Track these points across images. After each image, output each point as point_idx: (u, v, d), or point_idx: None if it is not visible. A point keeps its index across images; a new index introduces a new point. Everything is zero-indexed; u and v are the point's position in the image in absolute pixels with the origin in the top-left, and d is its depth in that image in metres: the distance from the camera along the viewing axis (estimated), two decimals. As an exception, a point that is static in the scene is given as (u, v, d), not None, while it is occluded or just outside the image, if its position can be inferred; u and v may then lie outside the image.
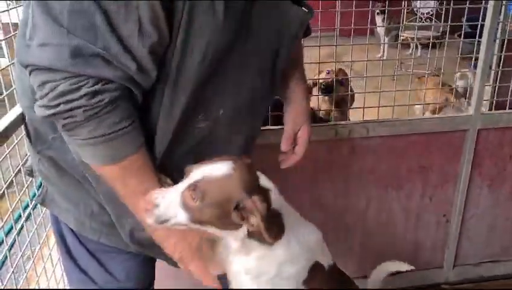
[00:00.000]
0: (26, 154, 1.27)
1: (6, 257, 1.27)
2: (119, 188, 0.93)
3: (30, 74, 0.86)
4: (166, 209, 0.85)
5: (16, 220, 1.33)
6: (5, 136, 1.08)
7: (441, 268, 2.16)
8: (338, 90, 2.19)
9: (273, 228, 0.88)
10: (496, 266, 2.19)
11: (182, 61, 0.88)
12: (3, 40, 1.35)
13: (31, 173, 1.23)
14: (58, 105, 0.81)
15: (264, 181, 0.91)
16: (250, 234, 0.90)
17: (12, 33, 1.36)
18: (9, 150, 1.18)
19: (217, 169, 0.84)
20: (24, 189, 1.33)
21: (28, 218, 1.38)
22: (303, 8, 1.06)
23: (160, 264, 1.30)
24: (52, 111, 0.83)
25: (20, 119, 1.14)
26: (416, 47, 5.63)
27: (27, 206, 1.41)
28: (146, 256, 1.21)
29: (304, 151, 1.29)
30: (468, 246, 2.14)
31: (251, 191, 0.85)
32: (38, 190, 1.23)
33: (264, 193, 0.88)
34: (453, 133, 1.89)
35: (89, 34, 0.79)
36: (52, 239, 1.43)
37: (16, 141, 1.22)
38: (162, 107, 0.92)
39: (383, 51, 5.31)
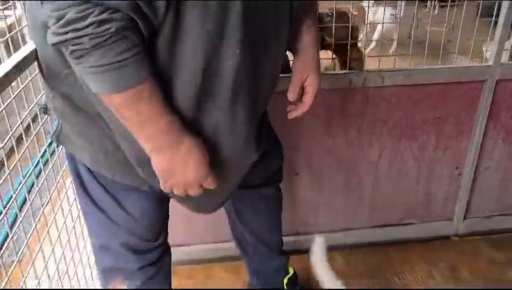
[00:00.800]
0: (41, 92, 1.27)
1: (25, 200, 1.29)
2: (127, 115, 0.93)
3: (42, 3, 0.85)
4: None
5: (36, 165, 1.34)
6: (19, 70, 1.07)
7: (451, 220, 2.17)
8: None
9: None
10: (507, 219, 2.20)
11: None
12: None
13: (45, 110, 1.23)
14: (66, 33, 0.82)
15: None
16: None
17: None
18: (23, 86, 1.18)
19: None
20: (40, 126, 1.34)
21: (45, 163, 1.40)
22: None
23: (174, 206, 1.33)
24: (59, 38, 0.83)
25: (34, 55, 1.13)
26: (434, 6, 5.46)
27: (45, 152, 1.42)
28: (160, 195, 1.22)
29: (311, 100, 1.27)
30: (480, 199, 2.14)
31: None
32: (48, 146, 1.25)
33: None
34: (470, 84, 1.85)
35: None
36: (68, 181, 1.45)
37: (29, 78, 1.22)
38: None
39: (400, 8, 5.15)
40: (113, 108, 0.94)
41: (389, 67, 1.80)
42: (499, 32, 1.80)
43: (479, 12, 1.91)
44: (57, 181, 1.44)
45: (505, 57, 1.91)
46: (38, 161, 1.35)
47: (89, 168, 1.20)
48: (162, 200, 1.29)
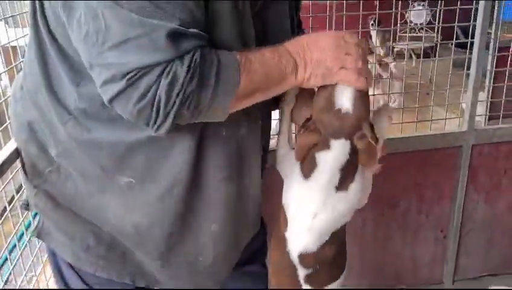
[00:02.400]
0: (22, 186, 1.27)
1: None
2: (261, 76, 0.92)
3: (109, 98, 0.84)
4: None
5: (11, 251, 1.33)
6: (0, 172, 1.08)
7: (441, 284, 2.16)
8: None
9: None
10: (495, 279, 2.19)
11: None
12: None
13: (26, 206, 1.23)
14: (173, 105, 0.82)
15: None
16: None
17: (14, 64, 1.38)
18: (4, 184, 1.19)
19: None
20: (20, 222, 1.34)
21: (24, 248, 1.38)
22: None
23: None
24: (172, 116, 0.83)
25: (15, 154, 1.15)
26: (411, 57, 5.67)
27: (22, 235, 1.41)
28: (142, 288, 1.21)
29: None
30: (467, 260, 2.14)
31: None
32: (33, 218, 1.24)
33: None
34: (447, 150, 1.90)
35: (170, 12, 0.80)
36: (49, 269, 1.43)
37: (10, 176, 1.23)
38: None
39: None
40: (246, 99, 0.93)
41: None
42: (469, 97, 1.87)
43: (452, 64, 1.99)
44: (36, 271, 1.41)
45: (480, 119, 1.96)
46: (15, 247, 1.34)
47: (70, 264, 1.19)
48: None
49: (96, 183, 1.06)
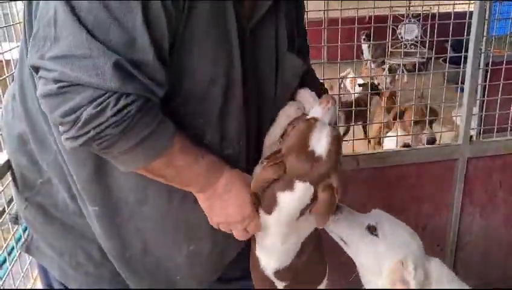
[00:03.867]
0: (12, 199, 1.24)
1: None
2: (171, 172, 0.93)
3: (43, 101, 0.83)
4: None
5: (1, 264, 1.29)
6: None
7: (437, 298, 2.13)
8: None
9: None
10: (492, 293, 2.18)
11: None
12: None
13: (16, 220, 1.20)
14: (88, 132, 0.80)
15: None
16: None
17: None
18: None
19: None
20: (11, 236, 1.30)
21: (14, 262, 1.35)
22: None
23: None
24: (83, 139, 0.81)
25: (7, 166, 1.12)
26: (403, 72, 5.73)
27: (12, 249, 1.37)
28: None
29: None
30: (464, 273, 2.11)
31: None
32: (24, 232, 1.21)
33: None
34: (443, 163, 1.90)
35: (123, 46, 0.79)
36: (39, 284, 1.39)
37: (1, 189, 1.20)
38: None
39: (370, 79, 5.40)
40: (149, 174, 0.93)
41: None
42: (464, 110, 1.88)
43: (446, 79, 2.00)
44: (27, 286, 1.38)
45: (472, 133, 1.97)
46: (5, 261, 1.30)
47: (61, 280, 1.16)
48: None
49: None
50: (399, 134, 2.20)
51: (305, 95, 1.09)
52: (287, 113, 1.07)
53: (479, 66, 1.83)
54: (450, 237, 2.01)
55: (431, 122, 2.45)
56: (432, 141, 2.33)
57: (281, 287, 1.14)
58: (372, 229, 1.28)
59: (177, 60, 0.88)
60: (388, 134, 2.42)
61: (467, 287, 1.36)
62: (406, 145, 2.04)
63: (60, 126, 0.83)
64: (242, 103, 0.98)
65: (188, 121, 0.94)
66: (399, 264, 1.25)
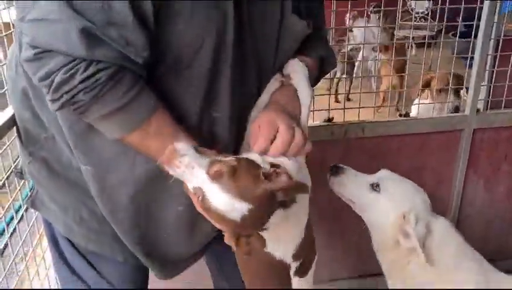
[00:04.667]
0: (18, 156, 1.25)
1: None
2: (145, 152, 0.92)
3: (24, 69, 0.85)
4: (179, 176, 0.85)
5: (9, 222, 1.32)
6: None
7: (436, 268, 2.15)
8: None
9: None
10: (493, 265, 2.19)
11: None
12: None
13: (21, 175, 1.21)
14: (61, 96, 0.81)
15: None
16: None
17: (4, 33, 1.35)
18: (1, 151, 1.17)
19: (232, 212, 0.82)
20: (17, 191, 1.32)
21: (20, 219, 1.37)
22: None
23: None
24: (58, 103, 0.82)
25: (13, 120, 1.13)
26: (411, 46, 5.65)
27: (20, 207, 1.39)
28: (136, 264, 1.19)
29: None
30: (464, 245, 2.14)
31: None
32: (31, 190, 1.22)
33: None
34: (448, 133, 1.89)
35: (100, 9, 0.78)
36: (45, 240, 1.42)
37: (8, 143, 1.20)
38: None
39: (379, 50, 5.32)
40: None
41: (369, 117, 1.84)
42: (473, 81, 1.86)
43: (455, 51, 1.97)
44: (34, 244, 1.40)
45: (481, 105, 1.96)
46: (13, 219, 1.33)
47: (65, 234, 1.18)
48: (140, 266, 1.26)
49: None
50: (425, 102, 2.19)
51: (294, 65, 1.06)
52: (271, 89, 1.05)
53: (491, 36, 1.79)
54: (452, 208, 2.01)
55: (457, 91, 2.42)
56: (455, 109, 2.32)
57: (295, 269, 1.14)
58: (375, 186, 1.31)
59: (164, 23, 0.86)
60: (415, 102, 2.41)
61: (470, 250, 1.38)
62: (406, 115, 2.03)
63: (41, 88, 0.84)
64: (233, 69, 0.95)
65: (174, 90, 0.93)
66: (401, 217, 1.28)
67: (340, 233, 1.99)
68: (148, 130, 0.88)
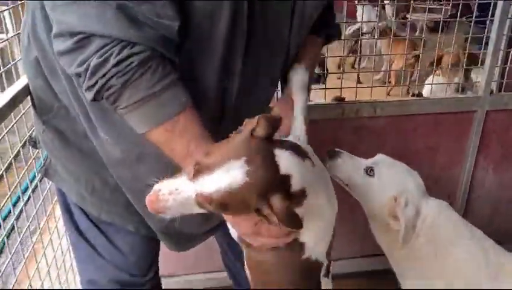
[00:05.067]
0: (33, 127, 1.26)
1: (13, 228, 1.27)
2: (167, 152, 0.89)
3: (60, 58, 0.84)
4: (180, 210, 0.80)
5: (23, 192, 1.33)
6: (12, 106, 1.07)
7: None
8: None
9: (295, 217, 0.79)
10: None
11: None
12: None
13: (34, 144, 1.22)
14: (96, 83, 0.81)
15: (285, 161, 0.80)
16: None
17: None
18: (16, 119, 1.17)
19: (231, 181, 0.75)
20: (30, 161, 1.33)
21: (34, 190, 1.38)
22: None
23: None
24: (93, 91, 0.82)
25: (27, 89, 1.13)
26: (422, 30, 5.57)
27: (34, 177, 1.41)
28: (147, 234, 1.21)
29: None
30: (472, 227, 2.14)
31: (268, 192, 0.77)
32: (45, 160, 1.23)
33: (284, 183, 0.80)
34: (461, 114, 1.88)
35: None
36: (58, 211, 1.43)
37: (22, 112, 1.21)
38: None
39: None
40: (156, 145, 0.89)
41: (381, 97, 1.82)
42: (487, 62, 1.84)
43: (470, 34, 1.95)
44: (47, 215, 1.42)
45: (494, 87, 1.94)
46: (27, 189, 1.34)
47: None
48: (151, 237, 1.27)
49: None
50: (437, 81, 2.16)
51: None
52: None
53: (508, 15, 1.76)
54: (461, 189, 2.01)
55: (468, 71, 2.39)
56: (462, 89, 2.29)
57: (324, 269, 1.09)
58: (369, 171, 1.33)
59: None
60: (427, 81, 2.37)
61: (468, 228, 1.39)
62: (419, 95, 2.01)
63: (77, 79, 0.85)
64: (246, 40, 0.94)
65: (196, 64, 0.92)
66: (392, 199, 1.30)
67: (349, 212, 1.99)
68: (175, 127, 0.85)
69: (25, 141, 1.28)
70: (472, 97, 1.87)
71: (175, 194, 0.78)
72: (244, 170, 0.75)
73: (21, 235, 1.27)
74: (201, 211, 0.81)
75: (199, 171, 0.77)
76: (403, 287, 1.47)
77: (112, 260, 1.23)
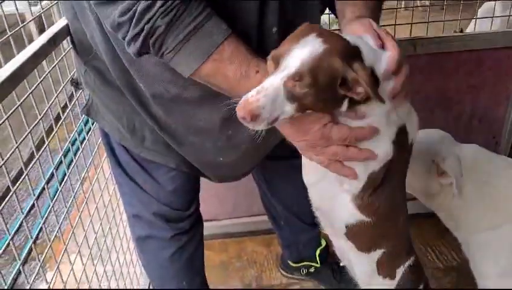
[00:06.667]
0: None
1: (64, 175, 1.34)
2: (221, 83, 0.89)
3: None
4: (272, 110, 0.77)
5: (73, 143, 1.39)
6: (53, 44, 1.10)
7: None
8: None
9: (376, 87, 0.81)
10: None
11: None
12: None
13: (77, 85, 1.27)
14: (142, 29, 0.82)
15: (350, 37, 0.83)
16: (353, 103, 0.83)
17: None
18: (58, 60, 1.21)
19: (311, 50, 0.77)
20: (75, 100, 1.37)
21: (83, 139, 1.44)
22: None
23: (204, 181, 1.35)
24: (140, 39, 0.83)
25: (67, 30, 1.16)
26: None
27: (81, 131, 1.46)
28: (191, 170, 1.25)
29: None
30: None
31: (349, 60, 0.78)
32: (85, 125, 1.26)
33: (357, 54, 0.81)
34: (506, 50, 1.78)
35: None
36: (104, 156, 1.49)
37: (64, 53, 1.25)
38: None
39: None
40: (205, 83, 0.91)
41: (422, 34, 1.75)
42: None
43: None
44: (92, 157, 1.48)
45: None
46: (76, 139, 1.40)
47: (120, 141, 1.24)
48: (191, 176, 1.31)
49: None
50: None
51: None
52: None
53: None
54: (506, 129, 1.93)
55: None
56: None
57: None
58: None
59: None
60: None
61: (505, 160, 1.41)
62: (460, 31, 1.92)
63: (119, 33, 0.85)
64: None
65: (235, 7, 0.91)
66: (432, 164, 1.30)
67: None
68: (223, 56, 0.85)
69: (71, 93, 1.32)
70: (518, 31, 1.77)
71: (263, 91, 0.76)
72: (320, 40, 0.78)
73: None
74: (292, 109, 0.79)
75: (276, 60, 0.79)
76: (465, 247, 1.46)
77: (155, 195, 1.28)
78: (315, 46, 0.77)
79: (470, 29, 2.22)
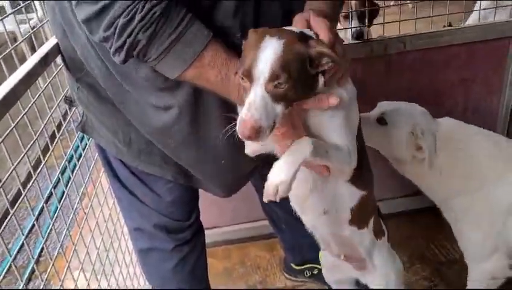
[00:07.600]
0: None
1: (63, 193, 1.34)
2: (204, 85, 0.95)
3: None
4: (268, 117, 0.82)
5: (70, 160, 1.39)
6: (44, 64, 1.10)
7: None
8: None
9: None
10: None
11: None
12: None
13: (71, 102, 1.27)
14: (124, 42, 0.85)
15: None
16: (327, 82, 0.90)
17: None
18: (51, 78, 1.22)
19: (273, 49, 0.82)
20: (69, 117, 1.37)
21: (80, 156, 1.44)
22: None
23: (203, 192, 1.35)
24: (124, 52, 0.86)
25: (56, 49, 1.17)
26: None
27: (77, 148, 1.46)
28: (188, 181, 1.25)
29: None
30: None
31: (304, 42, 0.85)
32: (81, 141, 1.27)
33: (306, 37, 0.88)
34: (496, 41, 1.79)
35: None
36: (101, 171, 1.49)
37: (56, 71, 1.25)
38: None
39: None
40: (190, 82, 0.96)
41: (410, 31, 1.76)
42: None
43: None
44: (89, 173, 1.48)
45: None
46: (72, 156, 1.40)
47: (117, 156, 1.24)
48: (189, 188, 1.31)
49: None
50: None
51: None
52: None
53: None
54: (500, 121, 1.94)
55: None
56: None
57: None
58: (381, 121, 1.38)
59: None
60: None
61: (482, 131, 1.48)
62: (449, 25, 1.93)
63: (105, 43, 0.88)
64: None
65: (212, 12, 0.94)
66: (409, 135, 1.33)
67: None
68: (203, 63, 0.90)
69: (65, 110, 1.32)
70: (507, 22, 1.78)
71: (253, 105, 0.81)
72: (275, 38, 0.83)
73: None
74: (282, 108, 0.83)
75: (248, 73, 0.82)
76: (444, 213, 1.54)
77: (154, 207, 1.29)
78: (274, 44, 0.82)
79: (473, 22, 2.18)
